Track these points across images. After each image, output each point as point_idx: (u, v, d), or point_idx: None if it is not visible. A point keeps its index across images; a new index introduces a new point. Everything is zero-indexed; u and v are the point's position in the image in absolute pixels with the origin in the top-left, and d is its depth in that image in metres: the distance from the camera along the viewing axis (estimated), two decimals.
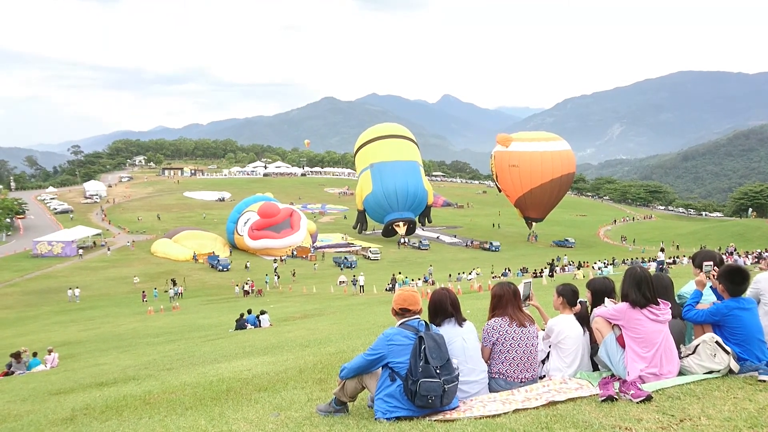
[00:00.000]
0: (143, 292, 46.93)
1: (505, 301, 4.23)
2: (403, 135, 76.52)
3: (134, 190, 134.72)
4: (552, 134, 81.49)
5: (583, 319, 4.30)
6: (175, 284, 52.14)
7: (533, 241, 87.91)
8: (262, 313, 22.10)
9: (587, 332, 4.28)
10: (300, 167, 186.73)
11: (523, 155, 72.31)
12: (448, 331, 3.97)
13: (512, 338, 4.10)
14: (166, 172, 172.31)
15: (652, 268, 38.28)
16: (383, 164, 70.70)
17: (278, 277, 54.21)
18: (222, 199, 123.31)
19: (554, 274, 40.25)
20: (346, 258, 67.69)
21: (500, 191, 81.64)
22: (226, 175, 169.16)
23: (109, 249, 71.34)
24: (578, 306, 4.41)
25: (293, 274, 54.71)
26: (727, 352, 3.72)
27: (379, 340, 3.81)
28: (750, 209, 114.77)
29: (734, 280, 4.00)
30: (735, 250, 56.84)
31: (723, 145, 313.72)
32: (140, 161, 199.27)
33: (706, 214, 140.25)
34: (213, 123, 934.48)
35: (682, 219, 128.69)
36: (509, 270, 52.16)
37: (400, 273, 47.27)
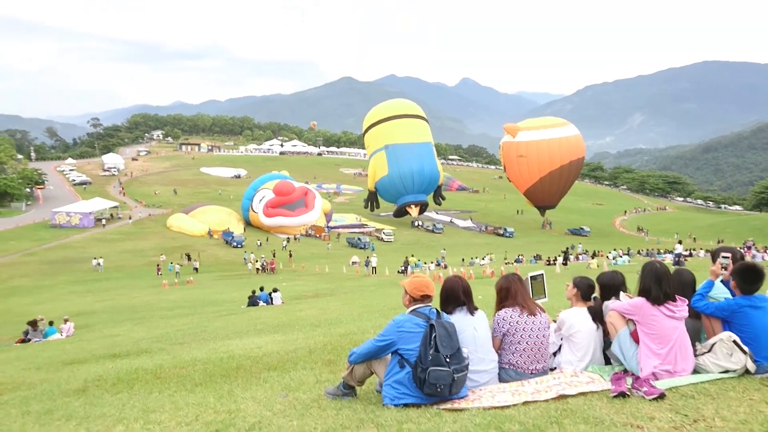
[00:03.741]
0: (158, 265, 47.40)
1: (514, 292, 4.16)
2: (415, 114, 75.26)
3: (151, 164, 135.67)
4: (560, 119, 79.93)
5: (596, 314, 4.23)
6: (189, 259, 52.67)
7: (548, 228, 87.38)
8: (275, 290, 22.26)
9: (600, 327, 4.21)
10: (316, 147, 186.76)
11: (530, 144, 71.33)
12: (459, 319, 3.92)
13: (523, 329, 4.05)
14: (184, 147, 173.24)
15: (668, 259, 37.93)
16: (399, 146, 69.97)
17: (291, 255, 54.51)
18: (238, 176, 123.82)
19: (568, 262, 39.98)
20: (359, 239, 67.84)
21: (510, 181, 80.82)
22: (242, 152, 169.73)
23: (131, 218, 72.30)
24: (591, 301, 4.33)
25: (290, 256, 54.40)
26: (744, 352, 3.64)
27: (389, 326, 3.78)
28: None
29: (747, 278, 3.92)
30: (753, 244, 56.17)
31: (746, 137, 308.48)
32: (158, 136, 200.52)
33: (725, 207, 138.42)
34: (231, 100, 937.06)
35: (701, 211, 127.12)
36: (522, 256, 51.97)
37: (413, 256, 47.30)
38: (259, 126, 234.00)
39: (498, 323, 4.14)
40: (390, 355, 3.78)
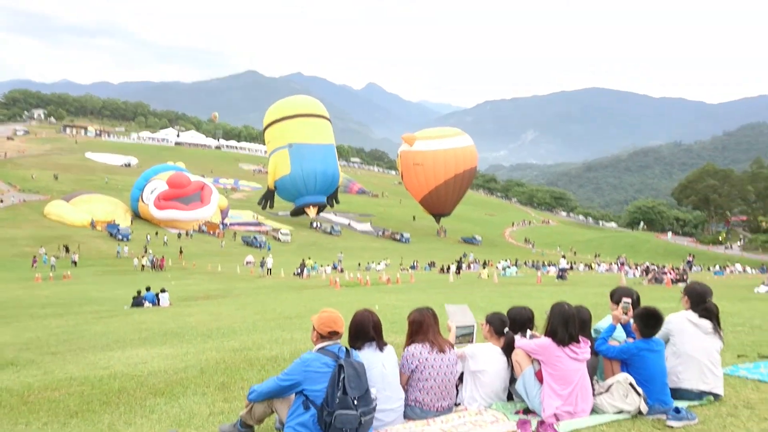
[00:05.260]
0: (34, 257, 43.73)
1: (426, 327, 4.10)
2: (320, 114, 74.56)
3: (29, 146, 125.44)
4: (455, 129, 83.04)
5: (509, 347, 4.25)
6: (68, 251, 49.10)
7: (442, 235, 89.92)
8: (162, 291, 21.13)
9: (510, 364, 4.24)
10: (215, 139, 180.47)
11: (427, 154, 73.41)
12: (368, 356, 3.78)
13: (431, 366, 3.98)
14: (68, 129, 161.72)
15: (552, 272, 40.17)
16: (303, 146, 68.85)
17: (181, 252, 52.36)
18: (128, 165, 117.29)
19: (460, 271, 41.25)
20: (255, 238, 66.33)
21: (407, 189, 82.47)
22: (134, 139, 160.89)
23: (2, 202, 66.42)
24: (504, 335, 4.36)
25: (180, 252, 52.31)
26: (638, 394, 3.82)
27: (295, 365, 3.57)
28: (642, 223, 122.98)
29: (648, 323, 4.18)
30: (626, 260, 60.86)
31: (623, 159, 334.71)
32: (39, 115, 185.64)
33: (602, 224, 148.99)
34: (125, 83, 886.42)
35: (582, 227, 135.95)
36: (417, 263, 53.08)
37: (309, 258, 46.84)
38: (155, 113, 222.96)
39: (407, 359, 4.05)
40: (294, 394, 3.57)
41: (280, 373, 3.66)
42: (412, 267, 49.90)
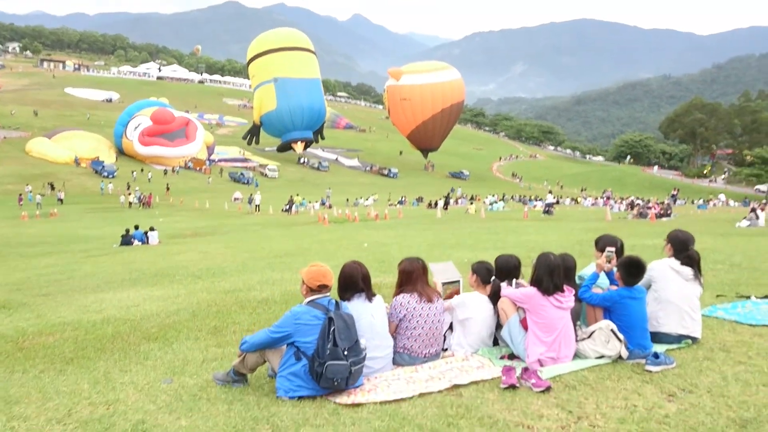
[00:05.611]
0: (20, 195, 43.26)
1: (415, 277, 4.18)
2: (305, 47, 72.42)
3: (6, 80, 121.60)
4: (442, 63, 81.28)
5: (496, 296, 4.36)
6: (53, 188, 48.64)
7: (430, 170, 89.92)
8: (151, 229, 21.11)
9: (496, 312, 4.35)
10: (198, 74, 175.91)
11: (414, 88, 72.08)
12: (357, 307, 3.86)
13: (420, 314, 4.09)
14: (45, 63, 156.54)
15: (539, 206, 40.54)
16: (289, 80, 67.22)
17: (168, 188, 52.12)
18: (110, 100, 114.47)
19: (448, 207, 41.49)
20: (243, 174, 65.94)
21: (394, 125, 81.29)
22: (114, 74, 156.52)
23: None
24: (491, 284, 4.46)
25: (167, 189, 52.01)
26: (619, 340, 3.97)
27: (285, 318, 3.64)
28: (628, 156, 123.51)
29: (630, 272, 4.30)
30: (611, 194, 61.46)
31: (612, 93, 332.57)
32: (14, 49, 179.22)
33: (589, 158, 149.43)
34: (102, 15, 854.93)
35: (569, 160, 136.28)
36: (405, 198, 53.28)
37: (297, 195, 46.82)
38: (134, 46, 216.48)
39: (395, 308, 4.14)
40: (285, 345, 3.66)
41: (271, 325, 3.74)
42: (400, 202, 50.09)
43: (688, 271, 4.46)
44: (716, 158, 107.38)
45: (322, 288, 3.75)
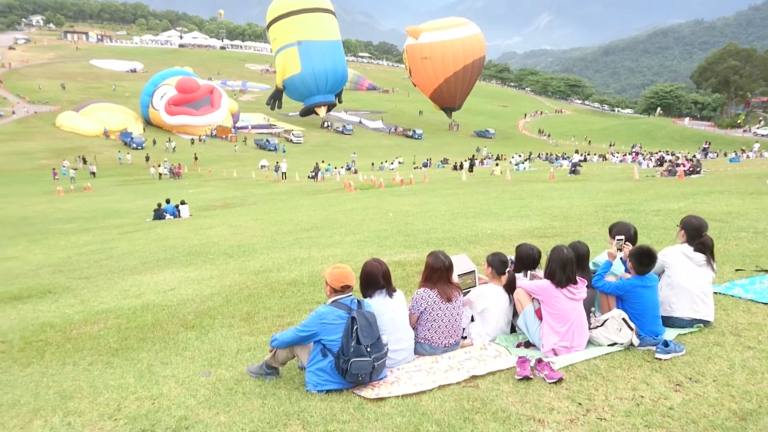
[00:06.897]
0: (54, 170, 44.35)
1: (438, 276, 4.38)
2: (325, 8, 71.46)
3: (32, 54, 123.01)
4: (461, 19, 79.40)
5: (511, 286, 4.57)
6: (85, 162, 49.71)
7: (455, 129, 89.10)
8: (182, 203, 21.61)
9: (512, 301, 4.56)
10: (219, 39, 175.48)
11: (434, 46, 70.85)
12: (378, 303, 4.10)
13: (439, 308, 4.31)
14: (69, 35, 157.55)
15: (565, 166, 40.07)
16: (312, 43, 66.56)
17: (196, 158, 52.86)
18: (134, 70, 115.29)
19: (473, 169, 41.33)
20: (268, 141, 66.29)
21: (415, 86, 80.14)
22: (137, 43, 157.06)
23: (14, 112, 66.75)
24: (506, 275, 4.65)
25: (195, 159, 52.75)
26: (631, 329, 4.14)
27: (311, 318, 3.90)
28: (658, 108, 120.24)
29: (642, 261, 4.42)
30: (640, 149, 60.26)
31: (641, 41, 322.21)
32: (38, 21, 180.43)
33: (618, 111, 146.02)
34: None
35: (596, 114, 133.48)
36: (430, 160, 53.13)
37: (323, 161, 47.08)
38: (155, 14, 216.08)
39: (417, 301, 4.37)
40: (312, 342, 3.94)
41: (298, 324, 4.02)
42: (425, 165, 50.02)
43: (700, 256, 4.57)
44: (751, 107, 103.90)
45: (345, 288, 3.99)
